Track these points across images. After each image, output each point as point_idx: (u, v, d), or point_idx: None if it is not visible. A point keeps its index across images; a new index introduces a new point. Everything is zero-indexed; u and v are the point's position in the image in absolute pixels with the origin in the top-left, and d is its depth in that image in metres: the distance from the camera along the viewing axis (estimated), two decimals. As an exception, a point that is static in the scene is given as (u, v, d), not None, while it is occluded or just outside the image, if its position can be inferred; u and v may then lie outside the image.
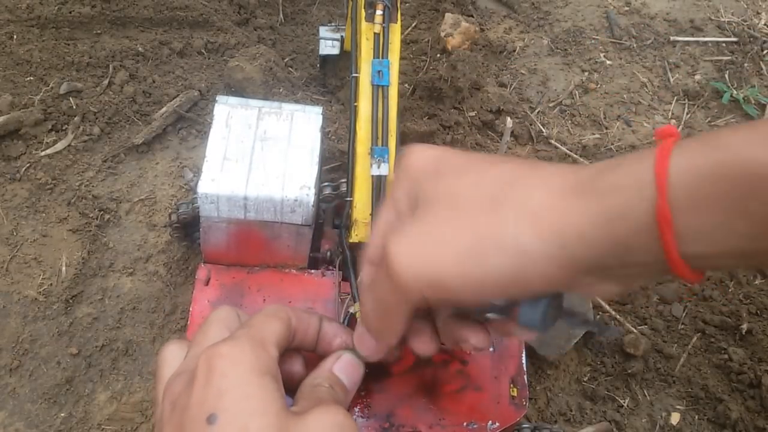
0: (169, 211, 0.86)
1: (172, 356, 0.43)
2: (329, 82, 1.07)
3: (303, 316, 0.45)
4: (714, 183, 0.30)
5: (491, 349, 0.57)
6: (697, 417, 0.82)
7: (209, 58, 1.07)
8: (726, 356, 0.85)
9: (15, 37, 1.01)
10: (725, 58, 1.18)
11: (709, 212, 0.31)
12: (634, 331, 0.86)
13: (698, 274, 0.33)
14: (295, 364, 0.45)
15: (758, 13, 1.27)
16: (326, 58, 1.06)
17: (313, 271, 0.61)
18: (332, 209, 0.67)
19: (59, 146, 0.92)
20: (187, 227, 0.79)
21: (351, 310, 0.53)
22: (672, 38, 1.20)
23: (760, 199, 0.29)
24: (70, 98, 0.96)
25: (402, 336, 0.44)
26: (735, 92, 1.12)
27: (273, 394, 0.37)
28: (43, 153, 0.92)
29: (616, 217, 0.33)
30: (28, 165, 0.90)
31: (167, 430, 0.38)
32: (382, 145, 0.60)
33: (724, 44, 1.20)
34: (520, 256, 0.35)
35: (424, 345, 0.45)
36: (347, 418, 0.39)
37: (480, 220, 0.37)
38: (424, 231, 0.38)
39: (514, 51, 1.16)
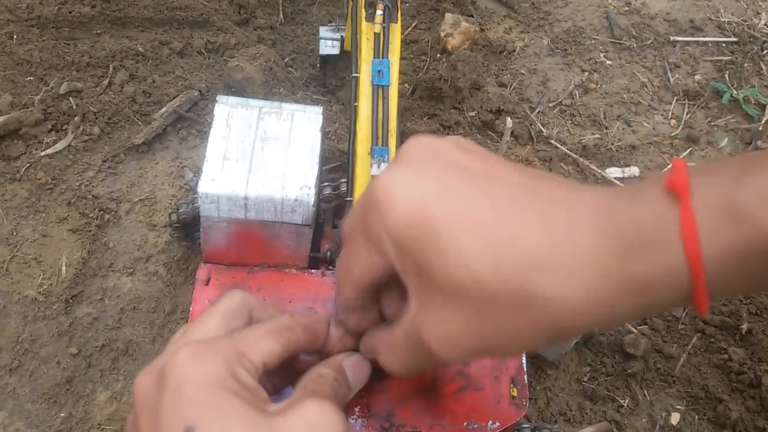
0: (169, 211, 0.86)
1: (177, 337, 0.43)
2: (329, 82, 1.07)
3: (312, 327, 0.44)
4: (743, 261, 0.29)
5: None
6: (697, 417, 0.82)
7: (209, 58, 1.07)
8: (726, 356, 0.85)
9: (15, 37, 1.01)
10: (725, 58, 1.18)
11: (738, 283, 0.31)
12: (634, 331, 0.86)
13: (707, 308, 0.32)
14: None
15: (758, 13, 1.27)
16: (326, 58, 1.07)
17: (313, 271, 0.61)
18: (332, 209, 0.67)
19: (59, 146, 0.92)
20: (187, 227, 0.79)
21: None
22: (672, 38, 1.20)
23: None
24: (70, 98, 0.96)
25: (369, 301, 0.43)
26: (735, 92, 1.12)
27: (245, 405, 0.36)
28: (43, 153, 0.92)
29: (653, 305, 0.32)
30: (28, 165, 0.90)
31: (143, 426, 0.37)
32: (382, 145, 0.60)
33: (724, 44, 1.20)
34: (555, 333, 0.33)
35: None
36: (334, 415, 0.37)
37: (507, 303, 0.34)
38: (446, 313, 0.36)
39: (514, 51, 1.16)
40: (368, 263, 0.39)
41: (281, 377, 0.44)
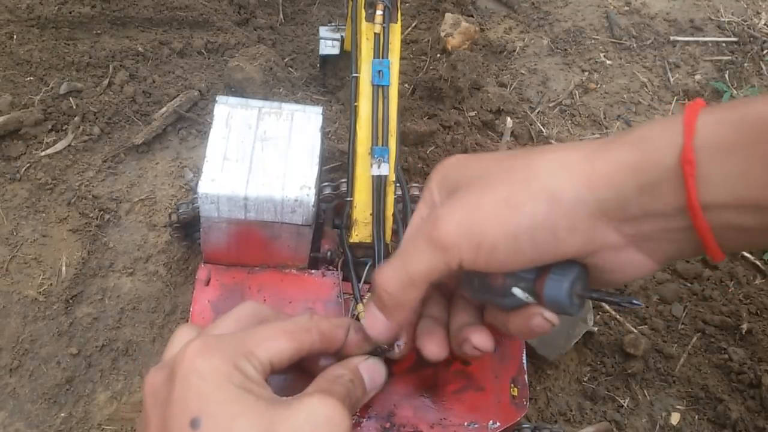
0: (169, 211, 0.86)
1: (182, 339, 0.43)
2: (329, 82, 1.07)
3: (330, 331, 0.45)
4: (736, 130, 0.33)
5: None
6: (697, 417, 0.82)
7: (209, 58, 1.07)
8: (726, 356, 0.85)
9: (15, 37, 1.01)
10: (725, 58, 1.18)
11: (730, 159, 0.33)
12: (634, 331, 0.86)
13: (720, 252, 0.35)
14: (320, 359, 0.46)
15: (758, 13, 1.27)
16: (326, 58, 1.06)
17: (313, 271, 0.61)
18: (332, 209, 0.67)
19: (59, 146, 0.92)
20: (187, 227, 0.79)
21: (355, 313, 0.53)
22: (672, 38, 1.20)
23: None
24: (70, 98, 0.96)
25: (410, 326, 0.45)
26: (735, 92, 1.12)
27: (250, 398, 0.37)
28: (43, 153, 0.92)
29: (644, 161, 0.36)
30: (28, 165, 0.90)
31: (152, 422, 0.38)
32: (382, 145, 0.60)
33: (724, 44, 1.20)
34: (552, 202, 0.37)
35: (434, 347, 0.46)
36: (339, 414, 0.38)
37: (514, 177, 0.40)
38: (463, 200, 0.41)
39: (514, 51, 1.16)
40: (429, 263, 0.42)
41: (298, 381, 0.44)
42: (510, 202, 0.39)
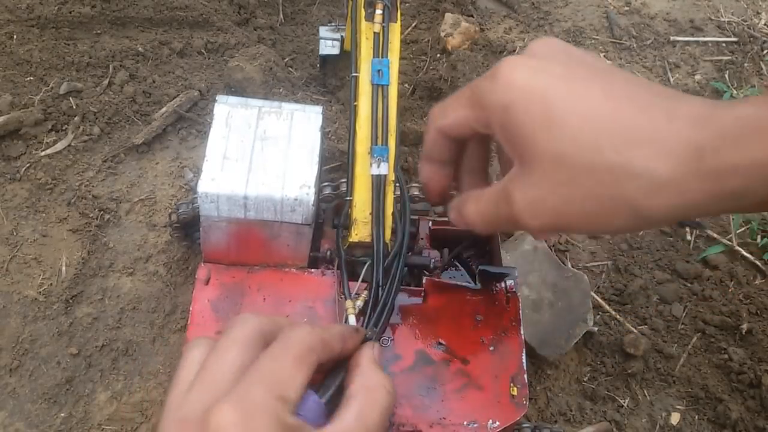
0: (169, 211, 0.86)
1: (197, 360, 0.40)
2: (329, 82, 1.07)
3: (331, 344, 0.44)
4: None
5: (491, 348, 0.57)
6: (697, 417, 0.82)
7: (209, 58, 1.07)
8: (726, 356, 0.85)
9: (15, 37, 1.01)
10: (725, 58, 1.18)
11: None
12: (634, 331, 0.86)
13: None
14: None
15: (758, 13, 1.27)
16: (326, 58, 1.07)
17: (313, 270, 0.61)
18: (332, 209, 0.67)
19: (59, 146, 0.92)
20: (187, 227, 0.79)
21: (344, 311, 0.53)
22: (672, 38, 1.20)
23: None
24: (70, 98, 0.96)
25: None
26: (735, 92, 1.12)
27: None
28: (43, 153, 0.92)
29: (738, 196, 0.32)
30: (28, 165, 0.90)
31: None
32: (382, 145, 0.60)
33: (724, 44, 1.20)
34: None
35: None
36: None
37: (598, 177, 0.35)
38: (544, 181, 0.37)
39: (514, 51, 1.16)
40: (464, 117, 0.42)
41: None
42: (590, 206, 0.35)
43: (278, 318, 0.44)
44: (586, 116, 0.35)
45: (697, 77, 1.15)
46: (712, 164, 0.32)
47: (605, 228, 0.36)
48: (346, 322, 0.53)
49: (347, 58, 1.03)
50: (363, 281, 0.57)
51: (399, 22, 0.66)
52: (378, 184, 0.59)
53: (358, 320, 0.53)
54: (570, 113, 0.35)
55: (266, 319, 0.42)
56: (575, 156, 0.35)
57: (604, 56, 1.17)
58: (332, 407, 0.42)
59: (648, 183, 0.33)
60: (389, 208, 0.59)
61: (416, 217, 0.67)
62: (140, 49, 1.03)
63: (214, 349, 0.40)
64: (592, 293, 0.87)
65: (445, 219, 0.65)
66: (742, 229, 0.98)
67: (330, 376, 0.45)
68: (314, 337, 0.41)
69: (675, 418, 0.81)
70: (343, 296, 0.56)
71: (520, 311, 0.59)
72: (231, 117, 0.59)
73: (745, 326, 0.86)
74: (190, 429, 0.36)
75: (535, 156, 0.36)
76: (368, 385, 0.42)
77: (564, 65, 0.38)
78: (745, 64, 1.17)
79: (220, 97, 0.60)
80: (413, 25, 1.19)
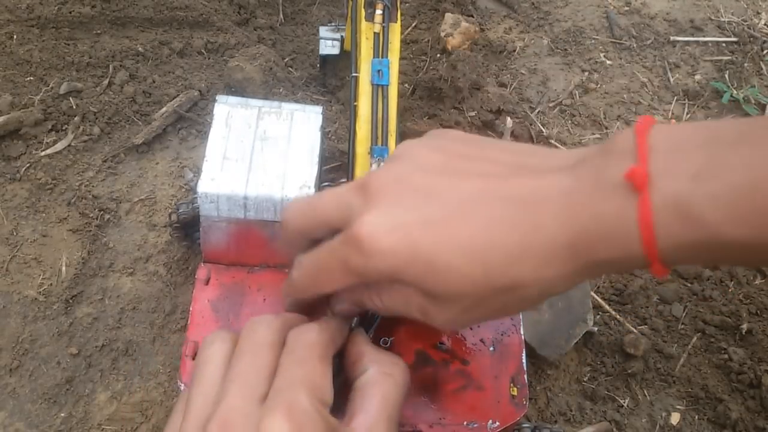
0: (169, 211, 0.86)
1: (219, 356, 0.41)
2: (329, 82, 1.07)
3: (337, 339, 0.45)
4: (697, 253, 0.33)
5: (491, 349, 0.57)
6: (697, 417, 0.82)
7: (209, 58, 1.07)
8: (726, 356, 0.85)
9: (15, 37, 1.01)
10: (725, 58, 1.18)
11: (695, 263, 0.36)
12: (634, 331, 0.86)
13: (665, 269, 0.35)
14: None
15: (758, 13, 1.27)
16: (326, 58, 1.07)
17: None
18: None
19: (59, 146, 0.92)
20: (187, 227, 0.79)
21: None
22: (672, 38, 1.20)
23: (738, 256, 0.33)
24: (70, 98, 0.96)
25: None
26: (735, 92, 1.12)
27: None
28: (43, 153, 0.92)
29: (615, 272, 0.37)
30: (28, 165, 0.90)
31: None
32: (382, 145, 0.60)
33: (724, 44, 1.20)
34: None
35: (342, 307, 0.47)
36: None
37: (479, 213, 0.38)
38: (406, 212, 0.39)
39: (514, 51, 1.16)
40: (345, 284, 0.42)
41: None
42: (498, 312, 0.39)
43: (283, 315, 0.45)
44: (465, 252, 0.37)
45: (697, 77, 1.15)
46: (586, 261, 0.36)
47: (515, 314, 0.43)
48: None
49: (347, 58, 1.03)
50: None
51: (399, 22, 0.66)
52: (378, 184, 0.59)
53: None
54: (449, 254, 0.37)
55: (278, 319, 0.44)
56: (471, 289, 0.38)
57: (604, 56, 1.17)
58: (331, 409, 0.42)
59: (539, 286, 0.37)
60: (389, 209, 0.59)
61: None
62: (140, 49, 1.03)
63: (242, 352, 0.41)
64: (592, 293, 0.87)
65: None
66: (742, 229, 0.98)
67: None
68: (326, 335, 0.43)
69: (675, 418, 0.81)
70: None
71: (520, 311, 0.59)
72: (231, 117, 0.59)
73: (745, 326, 0.86)
74: None
75: (434, 296, 0.39)
76: (384, 370, 0.43)
77: (411, 206, 0.39)
78: (745, 64, 1.17)
79: (220, 97, 0.60)
80: (413, 25, 1.19)
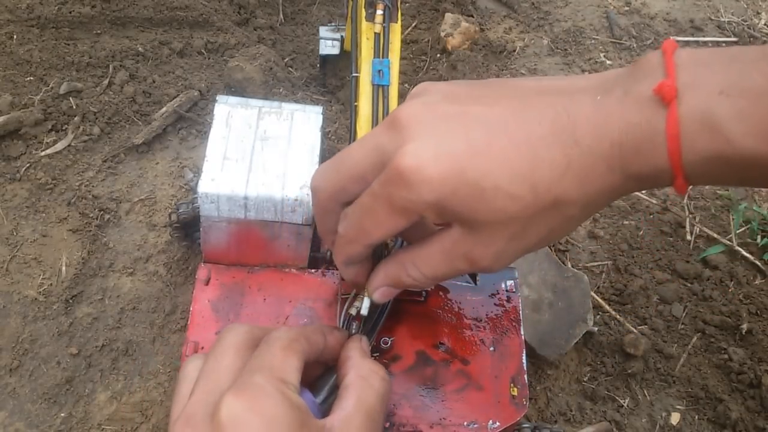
0: (169, 211, 0.86)
1: (194, 374, 0.41)
2: (329, 82, 1.07)
3: (312, 337, 0.44)
4: (720, 167, 0.34)
5: (491, 349, 0.57)
6: (697, 417, 0.82)
7: (209, 58, 1.07)
8: (726, 356, 0.85)
9: (15, 37, 1.01)
10: (725, 58, 1.18)
11: (716, 179, 0.36)
12: (634, 331, 0.86)
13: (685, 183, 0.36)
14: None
15: (758, 13, 1.27)
16: (326, 58, 1.07)
17: (313, 270, 0.61)
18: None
19: (59, 146, 0.92)
20: (187, 227, 0.79)
21: (352, 312, 0.53)
22: (672, 38, 1.20)
23: (755, 174, 0.34)
24: (70, 98, 0.96)
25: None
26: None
27: (304, 425, 0.36)
28: (43, 153, 0.92)
29: (645, 187, 0.37)
30: (28, 165, 0.90)
31: None
32: (383, 145, 0.60)
33: (724, 44, 1.20)
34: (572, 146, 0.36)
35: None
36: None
37: (512, 114, 0.38)
38: (447, 137, 0.38)
39: (514, 51, 1.16)
40: (393, 228, 0.40)
41: None
42: (545, 235, 0.39)
43: (263, 326, 0.46)
44: (510, 171, 0.37)
45: (697, 77, 1.15)
46: (621, 174, 0.37)
47: (562, 237, 0.42)
48: (346, 321, 0.53)
49: (347, 58, 1.03)
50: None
51: (399, 22, 0.66)
52: (378, 184, 0.59)
53: (356, 320, 0.53)
54: (495, 175, 0.37)
55: (254, 326, 0.44)
56: (521, 210, 0.38)
57: (604, 56, 1.17)
58: (326, 407, 0.43)
59: (583, 202, 0.38)
60: (389, 209, 0.59)
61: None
62: (140, 49, 1.03)
63: (209, 356, 0.42)
64: (592, 293, 0.87)
65: None
66: (742, 229, 0.98)
67: (322, 377, 0.46)
68: (294, 331, 0.43)
69: (675, 418, 0.81)
70: (343, 297, 0.56)
71: (521, 311, 0.59)
72: (231, 117, 0.59)
73: (745, 326, 0.86)
74: (199, 427, 0.36)
75: (483, 222, 0.39)
76: (361, 374, 0.43)
77: (450, 129, 0.38)
78: (745, 64, 1.17)
79: (220, 97, 0.60)
80: (413, 25, 1.19)
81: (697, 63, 0.35)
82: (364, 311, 0.50)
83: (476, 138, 0.38)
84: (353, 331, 0.51)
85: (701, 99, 0.33)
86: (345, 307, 0.53)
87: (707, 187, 1.03)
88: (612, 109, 0.36)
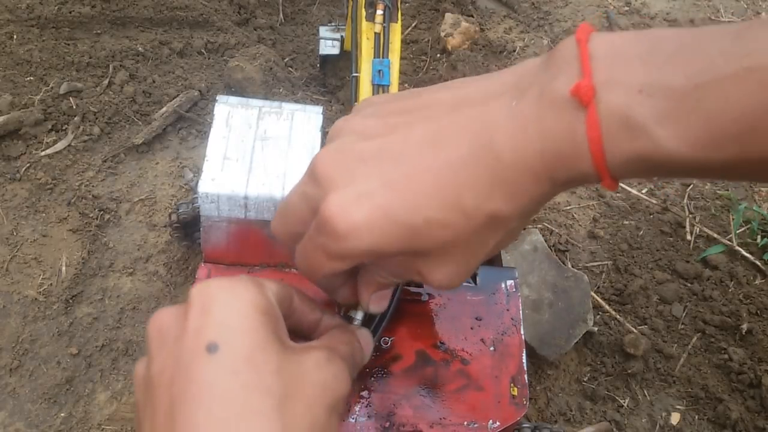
0: (169, 211, 0.86)
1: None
2: (329, 82, 1.07)
3: (307, 301, 0.45)
4: (644, 166, 0.33)
5: (491, 349, 0.57)
6: (697, 417, 0.82)
7: (209, 58, 1.07)
8: (726, 356, 0.85)
9: (15, 37, 1.01)
10: (725, 58, 1.18)
11: (643, 176, 0.34)
12: (634, 331, 0.86)
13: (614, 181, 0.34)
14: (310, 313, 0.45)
15: (758, 13, 1.27)
16: (326, 58, 1.07)
17: (313, 270, 0.61)
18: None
19: (59, 146, 0.92)
20: (187, 227, 0.79)
21: (351, 314, 0.53)
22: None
23: (685, 172, 0.33)
24: (70, 98, 0.96)
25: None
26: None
27: (272, 329, 0.36)
28: (43, 153, 0.92)
29: (574, 187, 0.37)
30: (28, 165, 0.90)
31: (157, 362, 0.35)
32: (383, 145, 0.60)
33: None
34: (494, 166, 0.36)
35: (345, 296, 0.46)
36: (343, 374, 0.39)
37: (430, 153, 0.37)
38: (364, 181, 0.37)
39: (514, 51, 1.16)
40: (337, 269, 0.41)
41: None
42: (490, 249, 0.38)
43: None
44: (438, 200, 0.37)
45: (697, 77, 1.15)
46: (548, 181, 0.36)
47: (507, 242, 0.41)
48: (351, 320, 0.53)
49: (347, 58, 1.03)
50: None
51: (399, 22, 0.66)
52: (378, 184, 0.59)
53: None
54: (424, 207, 0.37)
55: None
56: (457, 235, 0.37)
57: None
58: None
59: (514, 213, 0.37)
60: (389, 208, 0.59)
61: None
62: (140, 49, 1.03)
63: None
64: (592, 293, 0.87)
65: None
66: (742, 229, 0.98)
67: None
68: (291, 287, 0.43)
69: (675, 418, 0.81)
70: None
71: (521, 311, 0.59)
72: (231, 117, 0.59)
73: (745, 326, 0.86)
74: (176, 307, 0.37)
75: (421, 251, 0.39)
76: (336, 337, 0.43)
77: (367, 173, 0.38)
78: (745, 64, 1.17)
79: (220, 97, 0.60)
80: (413, 25, 1.19)
81: (614, 55, 0.33)
82: (357, 323, 0.50)
83: (393, 175, 0.37)
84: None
85: (621, 98, 0.32)
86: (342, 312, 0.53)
87: (707, 186, 1.03)
88: (528, 116, 0.35)
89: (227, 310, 0.35)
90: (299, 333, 0.44)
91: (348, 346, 0.43)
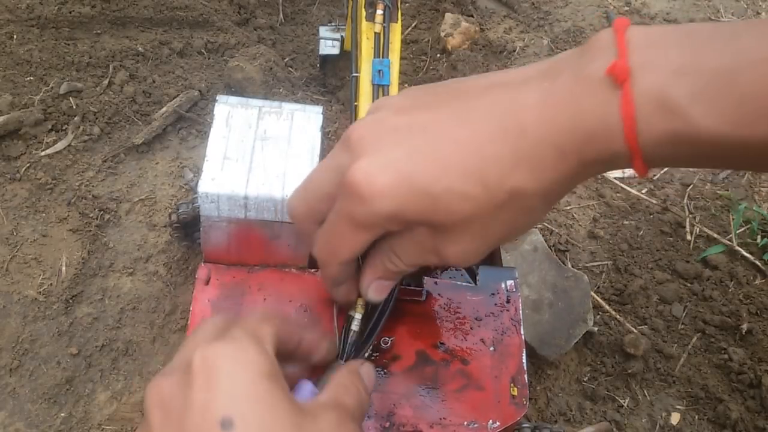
0: (169, 211, 0.86)
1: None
2: (329, 82, 1.07)
3: (285, 324, 0.44)
4: (676, 147, 0.33)
5: (491, 349, 0.57)
6: (697, 417, 0.82)
7: (209, 58, 1.07)
8: (726, 356, 0.85)
9: (15, 37, 1.01)
10: (725, 58, 1.18)
11: (674, 161, 0.35)
12: (634, 331, 0.86)
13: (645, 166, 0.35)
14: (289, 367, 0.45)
15: (758, 13, 1.27)
16: (326, 58, 1.07)
17: (313, 270, 0.61)
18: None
19: (59, 146, 0.92)
20: (187, 227, 0.79)
21: (351, 314, 0.53)
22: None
23: (718, 154, 0.33)
24: (70, 98, 0.96)
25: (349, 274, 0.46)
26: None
27: (283, 394, 0.35)
28: (43, 153, 0.92)
29: (602, 172, 0.37)
30: (28, 165, 0.90)
31: None
32: (383, 145, 0.60)
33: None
34: (519, 138, 0.36)
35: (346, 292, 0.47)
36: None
37: (461, 122, 0.37)
38: (393, 149, 0.38)
39: (514, 51, 1.16)
40: (359, 243, 0.41)
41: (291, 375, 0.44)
42: (507, 228, 0.38)
43: (239, 317, 0.45)
44: (460, 171, 0.37)
45: (697, 77, 1.15)
46: (575, 161, 0.36)
47: (526, 227, 0.40)
48: (350, 321, 0.53)
49: (347, 58, 1.03)
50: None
51: (399, 22, 0.66)
52: (378, 184, 0.59)
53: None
54: (445, 178, 0.37)
55: (226, 316, 0.44)
56: (477, 209, 0.38)
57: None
58: None
59: (537, 191, 0.37)
60: (389, 208, 0.59)
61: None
62: (140, 49, 1.03)
63: (190, 336, 0.41)
64: (592, 293, 0.87)
65: None
66: (742, 229, 0.98)
67: (326, 372, 0.46)
68: (272, 315, 0.43)
69: (675, 418, 0.81)
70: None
71: (521, 311, 0.59)
72: (231, 117, 0.59)
73: (745, 326, 0.86)
74: (174, 375, 0.36)
75: (440, 224, 0.39)
76: (342, 382, 0.43)
77: (396, 141, 0.39)
78: (745, 64, 1.17)
79: (220, 97, 0.60)
80: (413, 25, 1.19)
81: (650, 41, 0.34)
82: (355, 327, 0.50)
83: (421, 145, 0.38)
84: (353, 330, 0.51)
85: (656, 79, 0.32)
86: (339, 313, 0.54)
87: (707, 186, 1.03)
88: (560, 96, 0.35)
89: (234, 379, 0.34)
90: (282, 355, 0.43)
91: (355, 399, 0.42)
